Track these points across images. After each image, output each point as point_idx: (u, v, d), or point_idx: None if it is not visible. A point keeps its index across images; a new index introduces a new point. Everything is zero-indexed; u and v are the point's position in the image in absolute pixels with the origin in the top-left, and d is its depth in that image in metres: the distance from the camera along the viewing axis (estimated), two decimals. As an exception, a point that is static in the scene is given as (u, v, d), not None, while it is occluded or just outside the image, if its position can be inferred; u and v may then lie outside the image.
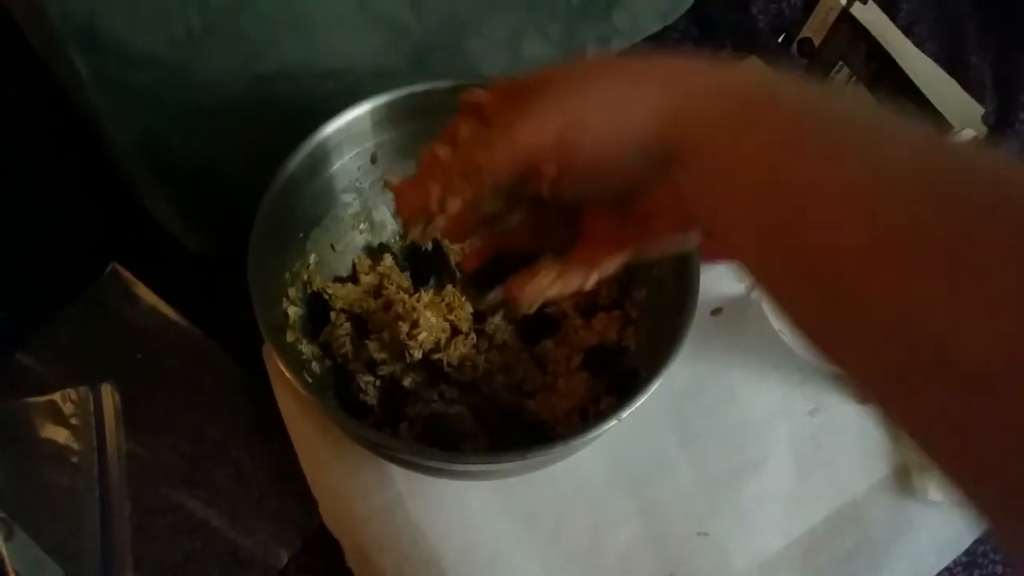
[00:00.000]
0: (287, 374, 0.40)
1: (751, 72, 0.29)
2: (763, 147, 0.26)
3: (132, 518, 0.56)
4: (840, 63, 0.82)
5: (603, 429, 0.43)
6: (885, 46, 0.78)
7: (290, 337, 0.48)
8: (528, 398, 0.52)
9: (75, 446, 0.57)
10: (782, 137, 0.26)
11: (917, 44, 0.81)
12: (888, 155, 0.24)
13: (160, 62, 0.57)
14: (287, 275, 0.50)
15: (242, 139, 0.61)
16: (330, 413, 0.40)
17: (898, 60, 0.77)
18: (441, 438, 0.50)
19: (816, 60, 0.84)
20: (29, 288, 0.62)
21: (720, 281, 0.62)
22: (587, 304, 0.56)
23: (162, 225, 0.65)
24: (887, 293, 0.22)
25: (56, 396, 0.58)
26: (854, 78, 0.81)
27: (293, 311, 0.49)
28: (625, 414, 0.43)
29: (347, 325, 0.52)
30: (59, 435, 0.58)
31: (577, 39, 0.74)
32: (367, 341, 0.53)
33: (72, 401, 0.59)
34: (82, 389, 0.59)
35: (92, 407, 0.59)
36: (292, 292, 0.50)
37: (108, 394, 0.59)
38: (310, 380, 0.45)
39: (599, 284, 0.55)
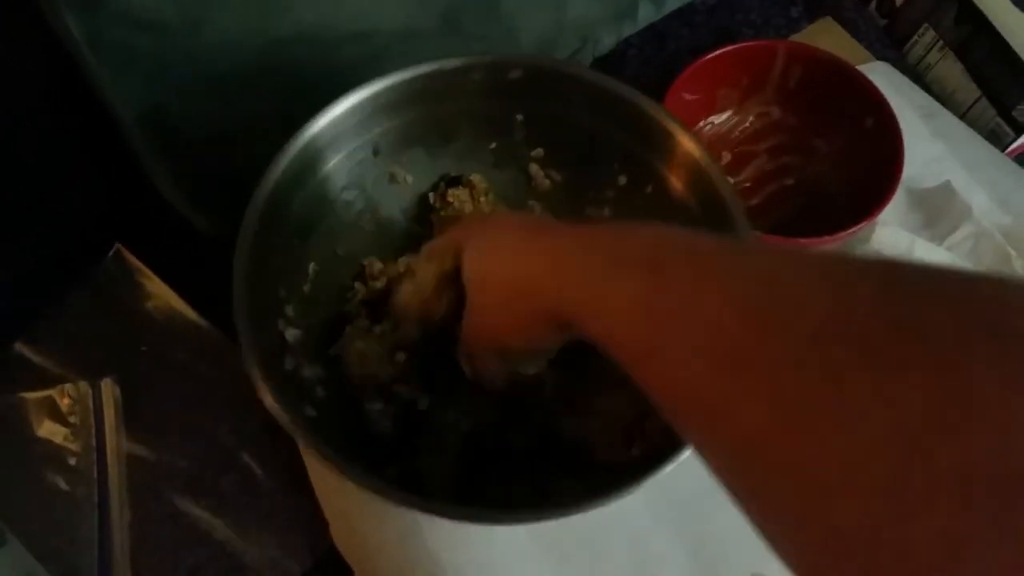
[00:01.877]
0: (279, 419, 0.35)
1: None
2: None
3: (132, 526, 0.52)
4: (925, 25, 0.72)
5: (655, 474, 0.37)
6: (980, 5, 0.69)
7: (288, 364, 0.42)
8: (566, 416, 0.46)
9: (73, 447, 0.53)
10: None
11: (1018, 2, 0.71)
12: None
13: (164, 23, 0.51)
14: (281, 292, 0.44)
15: (255, 110, 0.55)
16: (330, 462, 0.34)
17: (995, 23, 0.67)
18: (469, 467, 0.44)
19: (897, 21, 0.75)
20: (26, 269, 0.57)
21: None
22: None
23: (170, 204, 0.60)
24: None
25: (54, 391, 0.54)
26: (941, 42, 0.72)
27: (292, 333, 0.43)
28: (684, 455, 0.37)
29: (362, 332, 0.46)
30: (57, 434, 0.53)
31: (630, -6, 0.66)
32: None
33: (71, 397, 0.54)
34: (81, 384, 0.55)
35: (92, 404, 0.54)
36: (290, 310, 0.44)
37: (108, 390, 0.55)
38: (314, 413, 0.39)
39: None
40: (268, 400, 0.36)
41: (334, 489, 0.48)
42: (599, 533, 0.47)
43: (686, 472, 0.48)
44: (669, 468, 0.37)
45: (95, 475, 0.53)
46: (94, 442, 0.53)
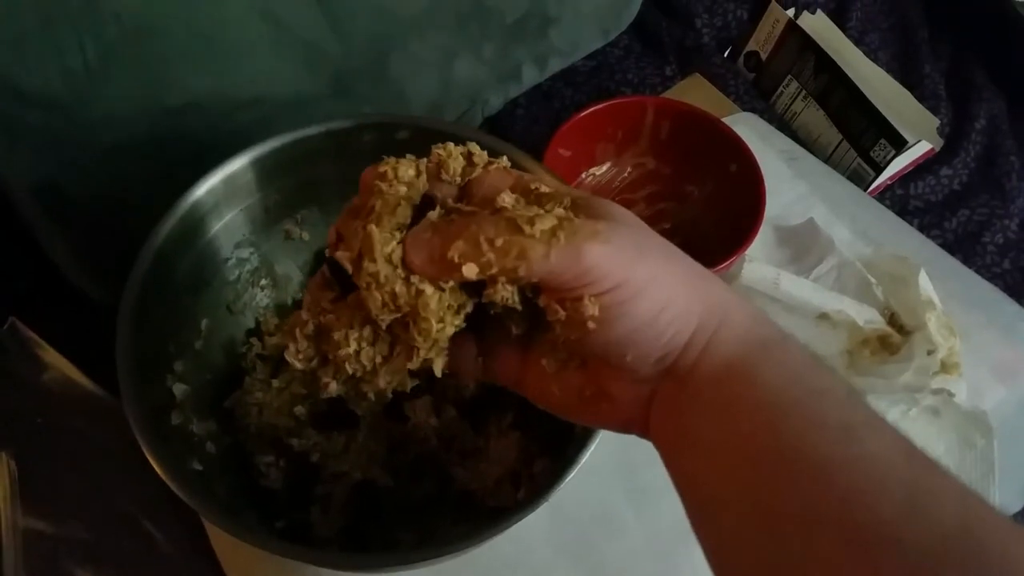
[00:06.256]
0: (160, 472, 0.36)
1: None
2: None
3: (31, 602, 0.51)
4: (789, 76, 0.79)
5: (537, 506, 0.39)
6: (834, 57, 0.75)
7: (176, 419, 0.43)
8: (456, 465, 0.47)
9: (-34, 525, 0.52)
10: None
11: (868, 54, 0.78)
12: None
13: (54, 98, 0.52)
14: (171, 348, 0.45)
15: (148, 178, 0.56)
16: (215, 521, 0.35)
17: (848, 72, 0.74)
18: (361, 517, 0.45)
19: (764, 74, 0.81)
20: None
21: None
22: None
23: (64, 273, 0.60)
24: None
25: (-56, 470, 0.53)
26: (803, 92, 0.78)
27: (180, 388, 0.44)
28: (559, 487, 0.39)
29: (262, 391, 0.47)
30: (-52, 514, 0.52)
31: (512, 59, 0.70)
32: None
33: (-37, 474, 0.53)
34: (-26, 461, 0.54)
35: (-15, 480, 0.53)
36: (179, 366, 0.45)
37: (3, 464, 0.54)
38: (200, 467, 0.40)
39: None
40: (148, 454, 0.37)
41: (233, 549, 0.48)
42: (502, 568, 0.48)
43: (582, 500, 0.51)
44: (543, 504, 0.39)
45: (-11, 553, 0.52)
46: (-12, 520, 0.52)
